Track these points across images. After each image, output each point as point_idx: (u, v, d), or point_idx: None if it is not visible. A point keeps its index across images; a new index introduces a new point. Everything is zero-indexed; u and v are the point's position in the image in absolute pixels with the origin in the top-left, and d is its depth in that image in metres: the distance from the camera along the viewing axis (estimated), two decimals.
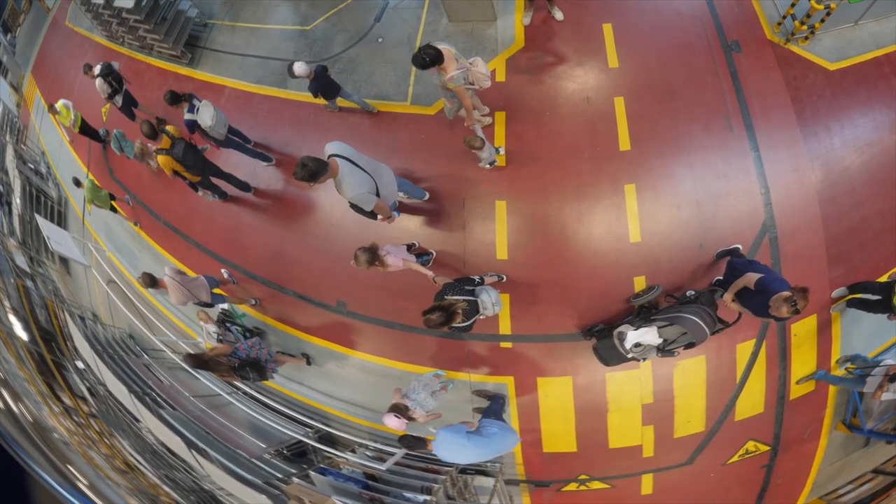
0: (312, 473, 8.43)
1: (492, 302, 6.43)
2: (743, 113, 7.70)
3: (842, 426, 8.56)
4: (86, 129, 9.66)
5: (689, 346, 6.44)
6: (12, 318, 8.48)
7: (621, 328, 6.72)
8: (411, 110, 8.04)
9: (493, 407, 7.81)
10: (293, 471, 8.34)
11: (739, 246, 7.55)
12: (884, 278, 7.69)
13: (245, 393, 8.73)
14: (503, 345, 8.01)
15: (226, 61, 9.15)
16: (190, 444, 8.10)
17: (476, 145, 7.14)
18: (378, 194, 6.26)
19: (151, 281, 7.69)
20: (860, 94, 7.83)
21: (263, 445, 8.44)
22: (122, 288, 8.66)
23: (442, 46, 6.31)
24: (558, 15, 8.11)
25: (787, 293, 5.81)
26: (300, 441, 8.63)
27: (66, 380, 8.46)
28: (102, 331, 9.37)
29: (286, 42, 8.89)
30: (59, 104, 9.35)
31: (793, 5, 7.61)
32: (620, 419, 8.16)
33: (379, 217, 6.80)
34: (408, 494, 8.24)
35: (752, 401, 8.22)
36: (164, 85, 8.66)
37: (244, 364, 7.79)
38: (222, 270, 8.90)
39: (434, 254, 7.89)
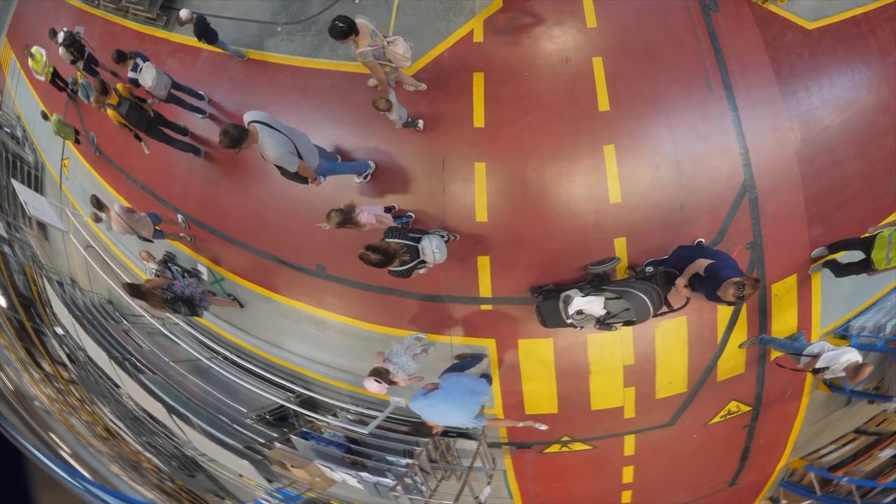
0: (294, 438, 8.46)
1: (432, 249, 6.58)
2: (721, 73, 7.67)
3: (823, 386, 8.62)
4: (56, 81, 9.82)
5: (629, 323, 6.43)
6: None
7: (570, 292, 6.72)
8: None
9: (458, 364, 7.83)
10: (275, 435, 8.37)
11: (702, 240, 7.59)
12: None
13: (225, 358, 8.72)
14: (484, 307, 8.01)
15: None
16: (171, 410, 8.11)
17: (381, 107, 7.16)
18: (300, 157, 6.43)
19: (98, 203, 8.20)
20: (839, 54, 7.81)
21: (245, 410, 8.45)
22: (99, 253, 8.61)
23: (359, 20, 6.43)
24: None
25: (737, 279, 5.91)
26: (282, 405, 8.65)
27: (46, 346, 8.44)
28: (81, 296, 9.33)
29: (262, 4, 8.73)
30: (34, 49, 9.55)
31: None
32: (602, 381, 8.19)
33: (309, 181, 6.96)
34: (390, 458, 8.28)
35: (733, 361, 8.26)
36: (139, 48, 8.59)
37: (177, 298, 8.20)
38: (178, 216, 9.00)
39: (413, 216, 7.87)
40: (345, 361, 8.57)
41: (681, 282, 6.54)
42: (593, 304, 6.34)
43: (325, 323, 8.49)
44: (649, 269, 7.21)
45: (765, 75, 7.71)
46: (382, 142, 7.99)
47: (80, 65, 9.30)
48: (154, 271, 8.98)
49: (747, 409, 8.64)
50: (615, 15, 7.85)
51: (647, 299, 6.30)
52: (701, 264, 6.33)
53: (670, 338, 8.03)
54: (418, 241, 6.61)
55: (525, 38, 7.92)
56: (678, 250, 7.22)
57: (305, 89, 8.21)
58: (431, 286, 8.07)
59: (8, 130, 10.07)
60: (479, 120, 7.82)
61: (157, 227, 8.62)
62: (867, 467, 9.03)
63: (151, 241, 8.77)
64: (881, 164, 7.86)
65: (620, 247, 7.68)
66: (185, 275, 8.94)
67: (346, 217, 6.48)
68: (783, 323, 8.17)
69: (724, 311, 8.02)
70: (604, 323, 6.48)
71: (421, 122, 7.89)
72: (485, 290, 7.95)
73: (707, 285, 6.22)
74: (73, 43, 9.12)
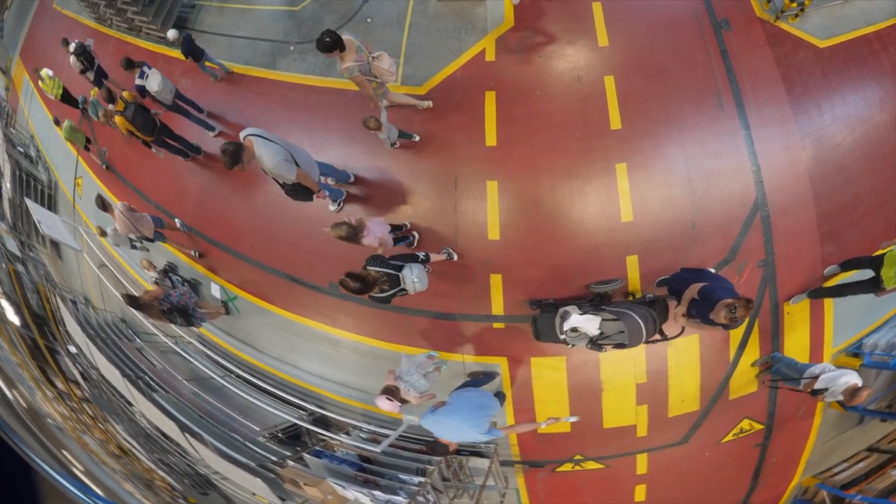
0: (307, 456, 8.44)
1: (412, 279, 6.62)
2: (733, 91, 7.69)
3: (835, 404, 8.56)
4: (67, 98, 10.02)
5: (619, 346, 6.39)
6: (4, 303, 8.50)
7: (568, 308, 6.68)
8: (402, 90, 8.00)
9: (469, 382, 7.82)
10: (288, 454, 8.36)
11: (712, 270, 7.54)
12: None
13: (239, 376, 8.73)
14: (496, 325, 8.00)
15: (214, 42, 9.07)
16: (184, 428, 8.11)
17: (371, 125, 7.23)
18: (297, 165, 6.55)
19: (103, 204, 8.34)
20: (851, 72, 7.82)
21: (258, 428, 8.44)
22: (113, 272, 8.66)
23: (346, 36, 6.54)
24: None
25: (729, 300, 5.90)
26: (295, 424, 8.65)
27: (59, 364, 8.47)
28: (94, 315, 9.38)
29: (275, 23, 8.84)
30: (43, 72, 9.73)
31: None
32: (614, 399, 8.17)
33: (315, 195, 7.07)
34: (403, 476, 8.26)
35: (745, 379, 8.23)
36: (152, 67, 8.68)
37: (173, 309, 8.38)
38: (175, 219, 9.12)
39: (414, 237, 7.96)
40: (357, 379, 8.56)
41: (679, 310, 6.57)
42: (589, 324, 6.31)
43: (337, 341, 8.48)
44: (650, 295, 7.22)
45: (777, 93, 7.72)
46: (395, 160, 8.03)
47: (90, 75, 9.50)
48: (154, 279, 9.18)
49: (760, 427, 8.60)
50: (627, 33, 7.90)
51: (642, 324, 6.27)
52: (694, 288, 6.38)
53: (682, 356, 8.00)
54: (399, 269, 6.65)
55: (537, 57, 7.95)
56: (681, 273, 7.25)
57: (317, 108, 8.26)
58: (444, 304, 8.08)
59: (21, 150, 10.14)
60: (491, 138, 7.84)
61: (157, 230, 8.83)
62: (880, 485, 8.96)
63: (152, 241, 8.98)
64: (893, 181, 7.83)
65: (632, 265, 7.69)
66: (185, 284, 9.12)
67: (354, 234, 6.56)
68: (795, 341, 8.14)
69: (735, 330, 7.99)
70: (595, 343, 6.44)
71: (417, 136, 7.97)
72: (497, 307, 7.95)
73: (701, 308, 6.23)
74: (83, 52, 9.36)
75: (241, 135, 6.37)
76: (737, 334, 8.02)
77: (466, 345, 8.17)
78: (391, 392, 6.84)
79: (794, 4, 7.67)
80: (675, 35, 7.86)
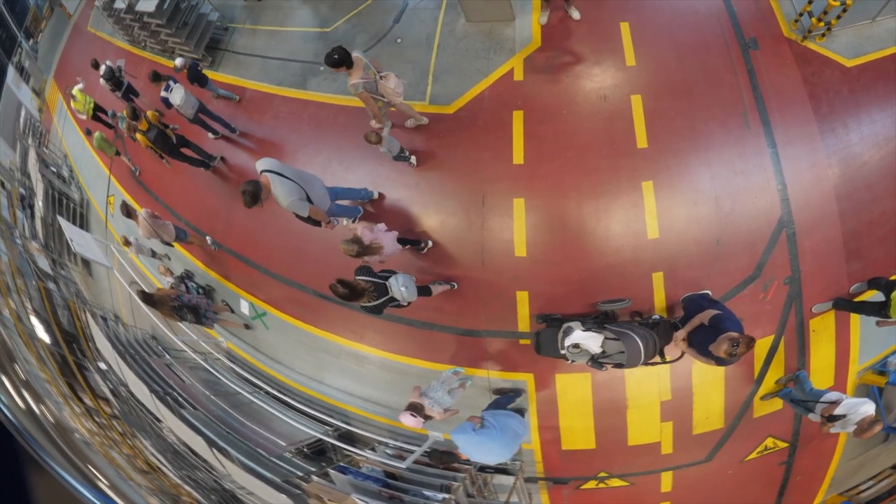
0: (332, 472, 8.46)
1: (399, 287, 6.73)
2: (760, 110, 7.72)
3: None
4: (98, 116, 10.34)
5: (618, 366, 6.41)
6: (34, 320, 8.58)
7: (572, 323, 6.70)
8: (430, 109, 8.08)
9: (500, 400, 7.84)
10: (313, 469, 8.38)
11: (709, 292, 7.58)
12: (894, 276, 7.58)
13: (266, 392, 8.79)
14: (522, 342, 8.02)
15: (247, 63, 9.23)
16: (211, 444, 8.15)
17: (372, 140, 7.31)
18: (310, 201, 6.75)
19: (127, 211, 8.90)
20: (878, 90, 7.83)
21: (283, 444, 8.48)
22: (144, 288, 8.77)
23: (355, 54, 6.75)
24: (575, 14, 8.15)
25: (735, 334, 5.92)
26: (320, 439, 8.67)
27: (88, 381, 8.53)
28: (124, 332, 9.47)
29: (306, 44, 8.95)
30: (75, 90, 10.02)
31: (810, 2, 7.60)
32: (639, 416, 8.18)
33: (323, 224, 7.33)
34: (427, 493, 8.25)
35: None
36: (178, 82, 8.84)
37: (183, 306, 8.71)
38: (206, 237, 9.33)
39: (430, 243, 8.12)
40: (384, 396, 8.60)
41: (680, 334, 6.60)
42: (591, 341, 6.32)
43: (365, 357, 8.54)
44: (656, 317, 7.21)
45: (803, 112, 7.74)
46: (423, 178, 8.12)
47: (119, 94, 9.80)
48: (171, 284, 9.47)
49: (784, 445, 8.57)
50: (654, 53, 7.95)
51: (641, 346, 6.29)
52: (708, 314, 6.38)
53: (707, 373, 7.98)
54: (386, 279, 6.76)
55: (564, 77, 8.00)
56: (699, 298, 7.26)
57: (347, 127, 8.35)
58: (470, 321, 8.12)
59: (54, 169, 10.26)
60: (518, 157, 7.90)
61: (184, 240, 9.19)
62: None
63: (172, 246, 9.35)
64: None
65: (658, 281, 7.71)
66: (200, 291, 9.41)
67: (363, 252, 6.74)
68: (821, 358, 8.13)
69: (761, 347, 7.99)
70: (596, 361, 6.46)
71: (413, 158, 8.07)
72: (523, 324, 7.97)
73: (705, 336, 6.24)
74: (111, 77, 9.63)
75: (258, 168, 6.57)
76: (762, 352, 8.02)
77: (492, 361, 8.20)
78: (415, 409, 6.88)
79: (822, 24, 7.69)
80: (702, 55, 7.90)
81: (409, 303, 7.01)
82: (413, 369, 8.31)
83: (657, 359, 6.79)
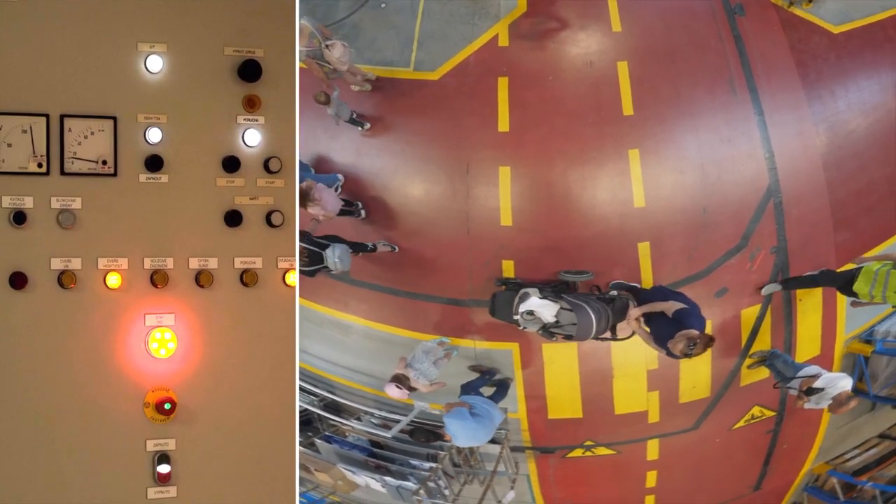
0: (318, 441, 8.48)
1: (334, 259, 6.86)
2: (746, 76, 7.64)
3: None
4: None
5: (568, 338, 6.34)
6: None
7: (529, 290, 6.60)
8: (414, 76, 8.00)
9: (474, 383, 7.79)
10: (299, 439, 8.39)
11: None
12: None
13: None
14: None
15: None
16: None
17: (320, 99, 7.24)
18: None
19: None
20: (865, 57, 7.78)
21: None
22: None
23: (301, 21, 6.64)
24: None
25: (694, 332, 5.85)
26: (305, 409, 8.66)
27: None
28: None
29: None
30: None
31: None
32: (626, 385, 8.20)
33: None
34: (413, 462, 8.28)
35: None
36: None
37: None
38: None
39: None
40: (368, 365, 8.59)
41: (635, 313, 6.54)
42: (546, 309, 6.21)
43: (348, 327, 8.51)
44: (613, 293, 7.17)
45: (790, 79, 7.67)
46: (407, 145, 8.02)
47: None
48: None
49: (771, 414, 8.62)
50: (640, 19, 7.82)
51: (594, 320, 6.20)
52: (672, 306, 6.30)
53: None
54: (324, 248, 6.86)
55: (550, 43, 7.90)
56: (663, 287, 7.24)
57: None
58: (455, 290, 8.09)
59: None
60: (503, 124, 7.80)
61: None
62: (891, 472, 8.99)
63: None
64: None
65: (644, 251, 7.69)
66: None
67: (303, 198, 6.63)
68: (807, 328, 8.18)
69: (748, 316, 8.00)
70: (547, 330, 6.36)
71: (367, 125, 7.99)
72: None
73: (667, 328, 6.17)
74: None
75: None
76: (749, 321, 8.03)
77: (478, 331, 8.18)
78: (400, 380, 6.88)
79: None
80: (688, 20, 7.80)
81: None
82: (398, 339, 8.29)
83: (608, 335, 6.73)
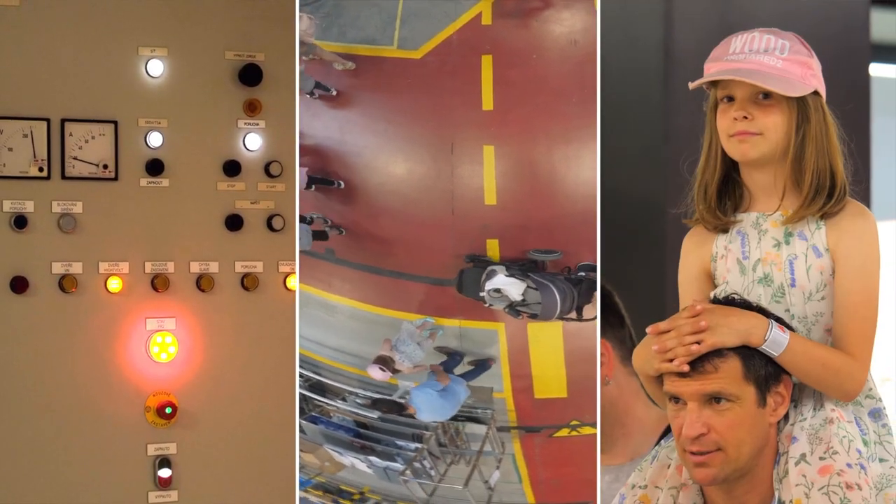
0: (303, 422, 8.44)
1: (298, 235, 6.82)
2: None
3: None
4: None
5: (532, 317, 6.38)
6: None
7: (496, 267, 6.65)
8: (397, 54, 7.94)
9: (448, 364, 7.78)
10: None
11: None
12: None
13: None
14: None
15: None
16: None
17: None
18: None
19: None
20: None
21: None
22: None
23: None
24: None
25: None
26: None
27: None
28: None
29: None
30: None
31: None
32: None
33: None
34: (399, 442, 8.28)
35: None
36: None
37: None
38: None
39: None
40: (353, 345, 8.52)
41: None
42: (512, 287, 6.23)
43: (333, 307, 8.46)
44: (582, 274, 7.03)
45: None
46: (389, 123, 8.00)
47: None
48: None
49: None
50: None
51: (559, 300, 6.23)
52: None
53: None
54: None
55: (533, 21, 7.85)
56: None
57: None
58: (440, 270, 8.05)
59: None
60: (487, 103, 7.76)
61: None
62: None
63: None
64: None
65: None
66: None
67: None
68: None
69: None
70: (514, 308, 6.40)
71: (333, 91, 7.82)
72: None
73: None
74: None
75: None
76: None
77: (463, 311, 8.15)
78: (384, 362, 6.88)
79: None
80: None
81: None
82: (383, 319, 8.23)
83: (573, 315, 6.69)
